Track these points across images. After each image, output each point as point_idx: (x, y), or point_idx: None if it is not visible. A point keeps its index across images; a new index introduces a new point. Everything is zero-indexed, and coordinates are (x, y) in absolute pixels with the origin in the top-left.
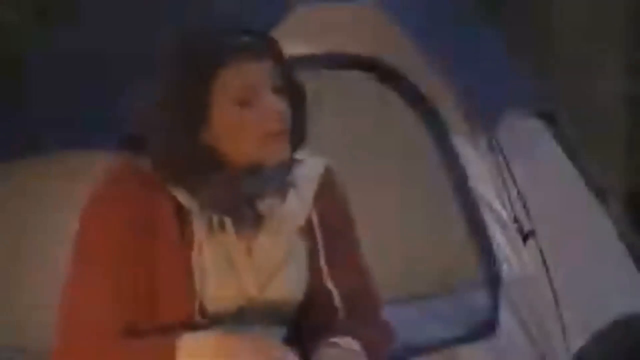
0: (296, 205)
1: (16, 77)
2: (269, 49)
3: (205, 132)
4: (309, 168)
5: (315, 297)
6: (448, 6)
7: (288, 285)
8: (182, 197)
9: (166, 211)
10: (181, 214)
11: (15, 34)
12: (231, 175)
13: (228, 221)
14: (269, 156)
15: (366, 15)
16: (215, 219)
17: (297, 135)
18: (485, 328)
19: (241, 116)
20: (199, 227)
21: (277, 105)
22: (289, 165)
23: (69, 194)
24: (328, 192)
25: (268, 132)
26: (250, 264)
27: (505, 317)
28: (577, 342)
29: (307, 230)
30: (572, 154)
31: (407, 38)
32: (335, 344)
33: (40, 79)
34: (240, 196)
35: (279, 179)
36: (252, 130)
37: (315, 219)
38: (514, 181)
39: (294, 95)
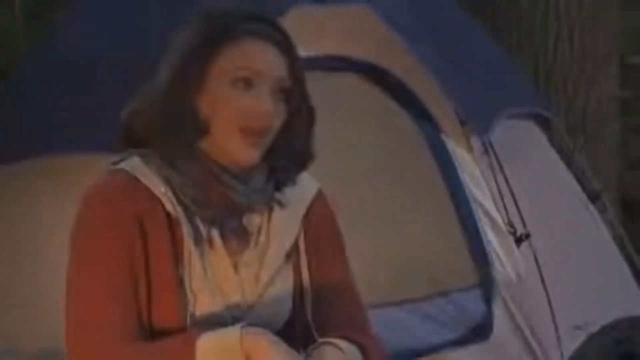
0: (284, 227)
1: (12, 79)
2: (283, 41)
3: (199, 102)
4: (301, 190)
5: (296, 324)
6: (443, 9)
7: (273, 306)
8: (170, 204)
9: (158, 221)
10: (172, 225)
11: (8, 37)
12: (217, 176)
13: (215, 233)
14: (239, 154)
15: (361, 18)
16: (203, 230)
17: (302, 156)
18: (479, 331)
19: (230, 98)
20: (188, 239)
21: (266, 105)
22: (284, 180)
23: (67, 196)
24: (317, 216)
25: (245, 127)
26: (237, 281)
27: (499, 321)
28: (571, 345)
29: (294, 252)
30: (566, 157)
31: (401, 41)
32: (331, 343)
33: (36, 81)
34: (226, 202)
35: (268, 193)
36: (232, 118)
37: (302, 243)
38: (508, 184)
39: (302, 113)
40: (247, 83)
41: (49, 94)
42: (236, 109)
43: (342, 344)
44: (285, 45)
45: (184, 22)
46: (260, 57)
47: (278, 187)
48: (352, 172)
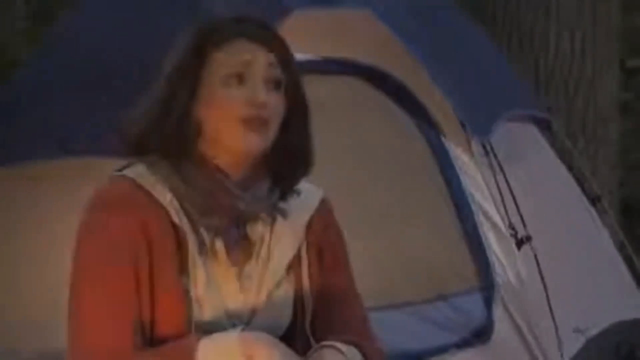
0: (287, 237)
1: (12, 82)
2: (271, 40)
3: (195, 109)
4: (304, 200)
5: (296, 332)
6: (443, 12)
7: (274, 315)
8: (175, 213)
9: (163, 230)
10: (177, 234)
11: (9, 39)
12: (221, 183)
13: (220, 243)
14: (243, 142)
15: (362, 21)
16: (207, 240)
17: (303, 159)
18: (480, 335)
19: (223, 95)
20: (192, 249)
21: (260, 94)
22: (288, 188)
23: (66, 199)
24: (320, 225)
25: (244, 117)
26: (239, 291)
27: (500, 324)
28: (571, 348)
29: (296, 262)
30: (566, 160)
31: (401, 44)
32: (331, 345)
33: (36, 84)
34: (230, 211)
35: (271, 202)
36: (229, 111)
37: (304, 252)
38: (509, 187)
39: (299, 110)
40: (239, 78)
41: (49, 96)
42: (232, 103)
43: (343, 346)
44: (275, 44)
45: (184, 22)
46: (248, 52)
47: (283, 197)
48: (353, 175)
